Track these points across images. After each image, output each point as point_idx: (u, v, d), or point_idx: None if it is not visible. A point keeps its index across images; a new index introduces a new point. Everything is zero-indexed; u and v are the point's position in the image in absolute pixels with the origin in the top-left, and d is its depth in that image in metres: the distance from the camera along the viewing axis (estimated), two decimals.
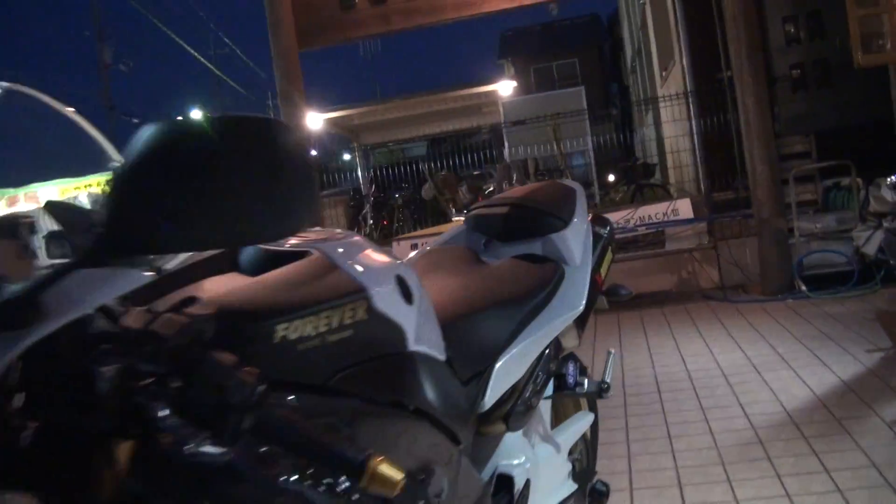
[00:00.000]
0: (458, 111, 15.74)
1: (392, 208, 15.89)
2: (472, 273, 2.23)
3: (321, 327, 1.32)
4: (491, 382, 1.91)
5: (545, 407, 2.34)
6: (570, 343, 2.34)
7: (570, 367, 2.34)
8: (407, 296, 1.54)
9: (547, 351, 2.18)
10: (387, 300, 1.46)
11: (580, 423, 2.55)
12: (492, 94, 14.71)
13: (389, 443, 1.48)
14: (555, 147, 13.31)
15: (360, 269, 1.48)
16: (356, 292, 1.40)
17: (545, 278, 2.22)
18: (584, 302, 2.25)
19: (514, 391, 2.04)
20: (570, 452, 2.48)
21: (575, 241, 2.37)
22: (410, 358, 1.55)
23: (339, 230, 1.73)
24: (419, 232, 10.80)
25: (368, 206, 14.37)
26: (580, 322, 2.33)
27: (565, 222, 2.36)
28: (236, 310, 1.27)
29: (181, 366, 1.05)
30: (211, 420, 1.03)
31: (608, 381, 2.41)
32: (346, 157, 17.92)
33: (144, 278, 1.08)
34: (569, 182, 2.61)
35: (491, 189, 11.78)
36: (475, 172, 15.51)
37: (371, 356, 1.44)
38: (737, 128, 8.48)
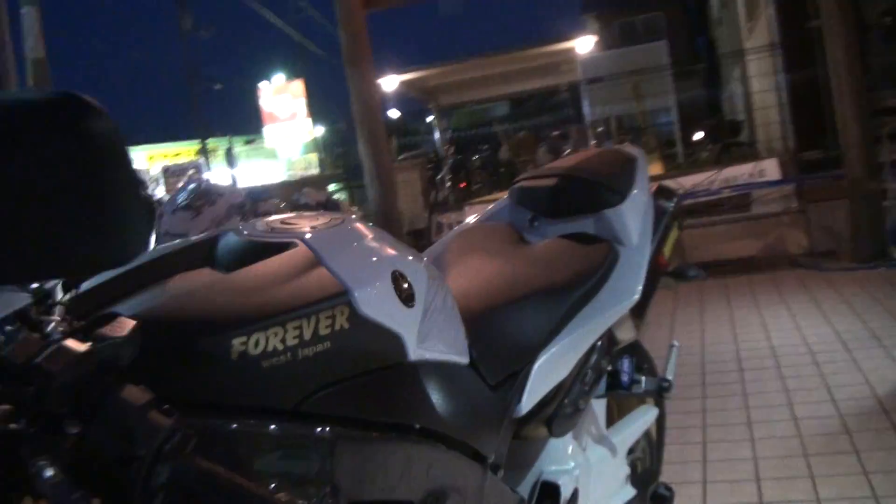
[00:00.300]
0: (536, 70, 15.37)
1: (470, 171, 15.71)
2: (512, 255, 2.01)
3: (290, 340, 1.12)
4: (529, 384, 1.71)
5: (599, 405, 2.11)
6: (625, 336, 2.11)
7: (626, 364, 2.10)
8: (407, 296, 1.31)
9: (598, 345, 1.95)
10: (377, 303, 1.25)
11: (641, 421, 2.30)
12: (571, 51, 14.30)
13: (384, 472, 1.26)
14: (636, 105, 12.94)
15: (346, 265, 1.27)
16: (336, 296, 1.19)
17: (596, 262, 1.98)
18: (640, 289, 2.00)
19: (558, 393, 1.82)
20: (630, 452, 2.24)
21: (632, 217, 2.11)
22: (411, 369, 1.34)
23: (339, 214, 1.48)
24: (493, 196, 10.55)
25: (446, 168, 14.20)
26: (638, 311, 2.09)
27: (622, 196, 2.10)
28: (181, 322, 1.10)
29: (83, 406, 0.86)
30: (110, 478, 0.85)
31: (670, 378, 2.15)
32: (429, 118, 17.65)
33: (15, 300, 0.88)
34: (629, 149, 2.33)
35: (568, 151, 11.47)
36: (554, 133, 15.23)
37: (358, 371, 1.23)
38: (826, 82, 7.99)
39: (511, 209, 2.31)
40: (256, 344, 1.08)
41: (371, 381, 1.25)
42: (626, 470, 2.20)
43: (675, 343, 2.30)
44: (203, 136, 23.50)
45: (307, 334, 1.13)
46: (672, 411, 2.53)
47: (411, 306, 1.32)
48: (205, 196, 5.50)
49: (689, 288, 6.82)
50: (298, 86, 31.54)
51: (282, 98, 31.16)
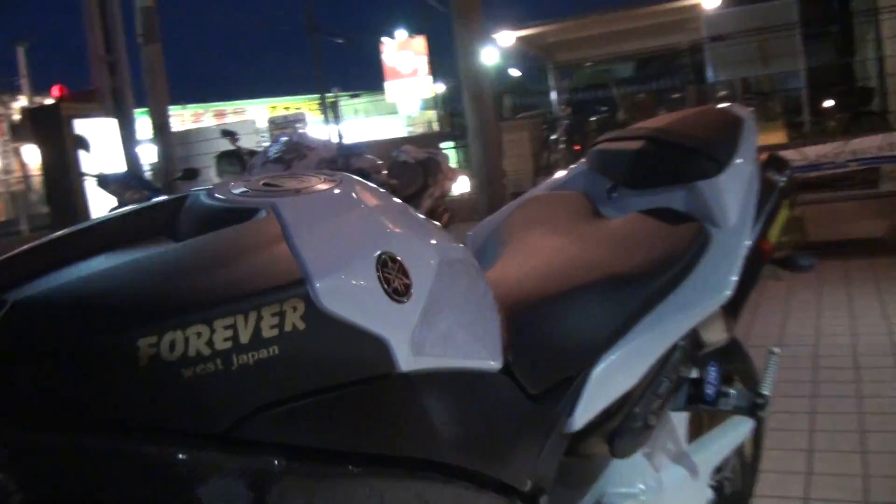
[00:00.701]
0: (659, 27, 14.90)
1: (585, 133, 15.27)
2: (579, 233, 1.75)
3: (220, 343, 0.88)
4: (585, 394, 1.42)
5: (679, 416, 1.82)
6: (714, 337, 1.77)
7: (712, 372, 1.77)
8: (399, 287, 1.04)
9: (679, 347, 1.65)
10: (348, 296, 0.98)
11: (733, 435, 1.99)
12: (696, 7, 13.75)
13: None
14: (762, 68, 12.30)
15: (317, 243, 1.01)
16: (289, 286, 0.94)
17: (680, 246, 1.65)
18: (733, 282, 1.66)
19: (624, 405, 1.55)
20: (717, 472, 1.95)
21: (731, 191, 1.77)
22: (403, 383, 1.05)
23: (338, 175, 1.19)
24: None
25: (560, 129, 13.80)
26: (732, 308, 1.75)
27: (720, 165, 1.78)
28: (74, 314, 0.87)
29: None
30: None
31: (766, 393, 1.84)
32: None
33: None
34: (735, 108, 1.96)
35: None
36: (673, 95, 14.73)
37: (322, 386, 0.97)
38: None
39: (587, 176, 2.01)
40: (172, 347, 0.85)
41: (343, 399, 0.99)
42: (709, 494, 1.90)
43: (776, 350, 1.96)
44: (322, 90, 23.81)
45: (244, 336, 0.89)
46: (777, 410, 2.20)
47: (403, 300, 1.04)
48: (296, 149, 5.42)
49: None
50: (420, 42, 31.59)
51: (404, 54, 31.41)
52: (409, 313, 1.05)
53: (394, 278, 1.03)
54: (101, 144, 8.53)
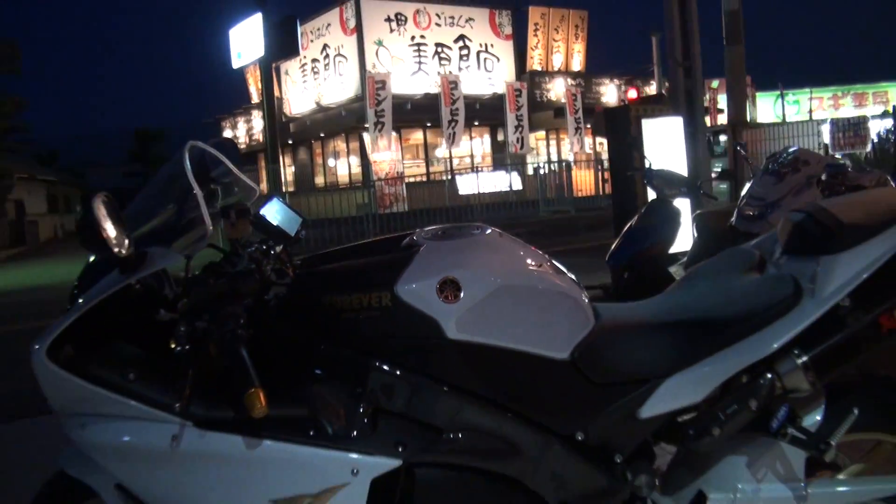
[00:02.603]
0: None
1: None
2: (723, 283, 2.25)
3: (355, 304, 1.92)
4: (657, 394, 2.03)
5: (796, 454, 2.13)
6: (793, 384, 2.08)
7: (782, 411, 2.06)
8: (450, 294, 1.91)
9: (756, 383, 2.06)
10: (414, 294, 1.91)
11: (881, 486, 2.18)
12: None
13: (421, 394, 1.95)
14: None
15: (418, 267, 1.94)
16: (385, 284, 1.92)
17: (768, 305, 2.09)
18: (773, 347, 2.06)
19: (697, 412, 2.09)
20: None
21: (842, 271, 2.08)
22: (452, 345, 1.92)
23: (485, 229, 2.14)
24: None
25: None
26: (817, 364, 2.06)
27: (843, 245, 2.09)
28: (298, 279, 2.11)
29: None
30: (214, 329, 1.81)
31: (832, 442, 2.04)
32: None
33: (178, 259, 1.94)
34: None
35: None
36: None
37: (404, 335, 1.92)
38: None
39: (774, 239, 2.35)
40: (335, 303, 1.92)
41: (417, 345, 1.93)
42: None
43: (854, 411, 2.09)
44: None
45: (364, 303, 1.91)
46: None
47: (451, 302, 1.91)
48: (793, 164, 5.40)
49: None
50: None
51: None
52: (456, 309, 1.91)
53: (447, 290, 1.91)
54: (666, 142, 9.14)
